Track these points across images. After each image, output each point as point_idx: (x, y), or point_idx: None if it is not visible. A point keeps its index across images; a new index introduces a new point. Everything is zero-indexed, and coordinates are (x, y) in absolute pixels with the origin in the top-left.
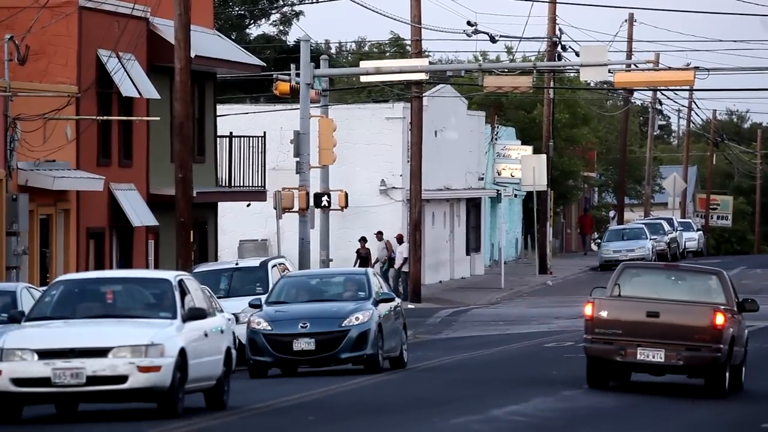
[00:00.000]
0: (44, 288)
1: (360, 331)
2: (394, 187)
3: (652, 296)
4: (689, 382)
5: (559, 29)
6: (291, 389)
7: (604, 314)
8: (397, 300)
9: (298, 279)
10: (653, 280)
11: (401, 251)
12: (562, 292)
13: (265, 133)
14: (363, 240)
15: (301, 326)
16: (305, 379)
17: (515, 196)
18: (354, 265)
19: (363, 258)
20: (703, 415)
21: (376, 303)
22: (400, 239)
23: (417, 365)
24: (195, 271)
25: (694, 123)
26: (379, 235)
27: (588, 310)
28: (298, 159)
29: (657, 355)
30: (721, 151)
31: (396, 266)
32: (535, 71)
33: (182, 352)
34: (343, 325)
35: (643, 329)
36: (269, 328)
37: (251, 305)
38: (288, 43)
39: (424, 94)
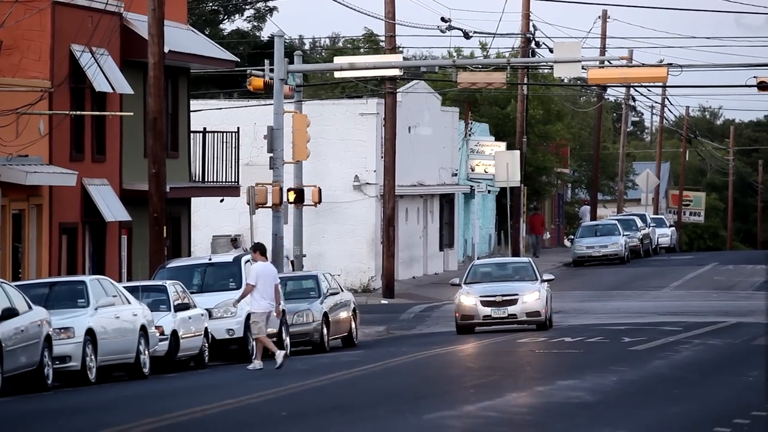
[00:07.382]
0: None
1: None
2: (367, 183)
3: None
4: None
5: (533, 25)
6: None
7: None
8: None
9: None
10: None
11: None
12: None
13: (238, 128)
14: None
15: None
16: None
17: (489, 192)
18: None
19: None
20: (679, 410)
21: None
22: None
23: None
24: (168, 266)
25: (667, 119)
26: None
27: None
28: (271, 154)
29: None
30: (694, 147)
31: None
32: (509, 67)
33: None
34: None
35: None
36: None
37: None
38: (262, 39)
39: (397, 90)
